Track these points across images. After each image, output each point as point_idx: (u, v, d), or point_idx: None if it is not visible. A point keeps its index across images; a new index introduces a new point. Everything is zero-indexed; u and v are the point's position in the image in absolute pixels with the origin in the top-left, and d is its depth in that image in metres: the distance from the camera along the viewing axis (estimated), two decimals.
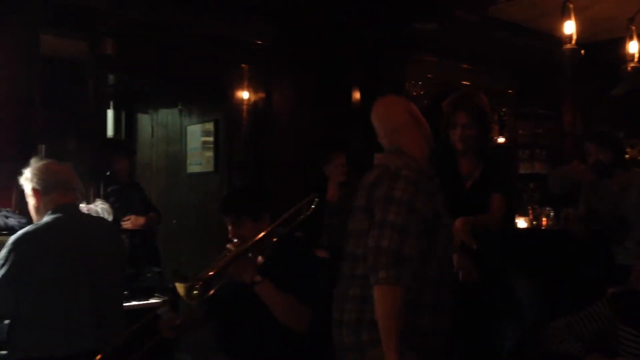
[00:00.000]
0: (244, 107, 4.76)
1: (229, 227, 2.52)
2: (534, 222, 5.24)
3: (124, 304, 2.83)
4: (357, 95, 4.91)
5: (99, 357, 2.27)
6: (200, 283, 2.17)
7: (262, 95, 4.78)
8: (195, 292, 2.18)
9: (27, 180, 2.57)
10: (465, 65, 5.42)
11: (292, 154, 4.70)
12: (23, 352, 2.28)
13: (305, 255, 2.68)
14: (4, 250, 2.34)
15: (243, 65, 4.79)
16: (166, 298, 3.18)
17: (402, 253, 1.89)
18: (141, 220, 4.12)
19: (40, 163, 2.60)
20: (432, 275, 2.02)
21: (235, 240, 2.48)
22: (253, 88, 4.78)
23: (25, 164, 2.67)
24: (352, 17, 4.64)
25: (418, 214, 1.95)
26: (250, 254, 2.39)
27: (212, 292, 2.37)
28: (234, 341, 2.48)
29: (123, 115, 5.81)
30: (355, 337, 2.00)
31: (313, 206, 2.51)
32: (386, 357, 1.84)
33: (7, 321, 2.40)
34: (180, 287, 2.18)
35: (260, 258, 2.51)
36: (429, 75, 5.24)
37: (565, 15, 3.77)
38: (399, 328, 1.86)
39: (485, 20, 4.68)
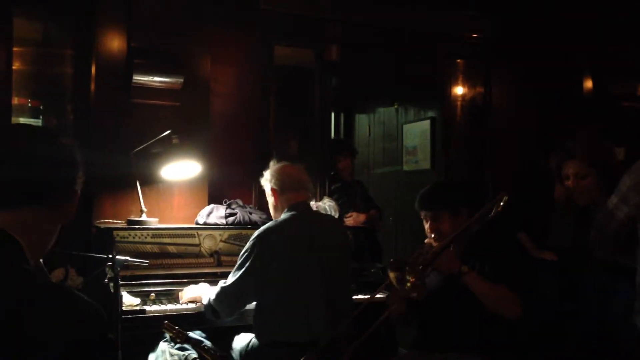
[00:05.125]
0: (461, 103, 4.67)
1: (427, 223, 2.54)
2: None
3: None
4: (588, 84, 4.49)
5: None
6: (413, 276, 2.18)
7: (480, 89, 4.64)
8: (408, 284, 2.20)
9: (267, 181, 2.84)
10: None
11: (513, 149, 4.48)
12: (268, 337, 2.53)
13: (510, 246, 2.59)
14: (250, 243, 2.61)
15: (458, 60, 4.70)
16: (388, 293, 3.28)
17: None
18: (362, 217, 4.29)
19: (278, 165, 2.86)
20: None
21: (433, 235, 2.47)
22: (470, 83, 4.66)
23: (261, 164, 2.95)
24: None
25: None
26: (452, 247, 2.39)
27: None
28: (443, 336, 2.46)
29: (342, 115, 6.10)
30: None
31: (502, 204, 2.38)
32: None
33: (249, 306, 2.70)
34: (392, 276, 2.21)
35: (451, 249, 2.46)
36: None
37: None
38: None
39: None
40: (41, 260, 1.32)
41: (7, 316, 1.03)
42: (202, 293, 2.81)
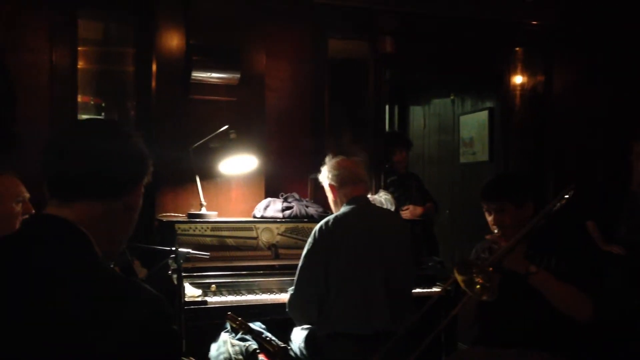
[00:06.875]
0: (520, 92, 4.54)
1: (490, 216, 2.45)
2: None
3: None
4: None
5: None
6: (481, 277, 2.12)
7: (540, 78, 4.50)
8: (477, 286, 2.14)
9: (324, 177, 2.83)
10: None
11: (579, 139, 4.33)
12: (329, 327, 2.53)
13: (577, 240, 2.49)
14: (311, 238, 2.62)
15: (517, 48, 4.57)
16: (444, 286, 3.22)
17: None
18: (419, 210, 4.24)
19: (334, 160, 2.83)
20: None
21: (496, 230, 2.40)
22: (530, 72, 4.53)
23: (316, 158, 2.95)
24: None
25: None
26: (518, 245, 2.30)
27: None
28: (505, 332, 2.40)
29: (396, 108, 6.05)
30: None
31: (567, 196, 2.27)
32: None
33: None
34: (460, 279, 2.16)
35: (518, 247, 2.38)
36: None
37: None
38: None
39: None
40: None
41: (73, 306, 1.06)
42: None
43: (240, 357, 2.61)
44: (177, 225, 3.10)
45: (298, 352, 2.70)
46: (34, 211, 2.23)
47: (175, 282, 2.59)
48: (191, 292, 2.81)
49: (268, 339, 2.36)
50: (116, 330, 1.06)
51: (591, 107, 4.36)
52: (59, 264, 1.11)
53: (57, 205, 1.18)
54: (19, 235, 1.21)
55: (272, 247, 3.27)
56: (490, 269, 2.12)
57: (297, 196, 3.57)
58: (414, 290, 3.11)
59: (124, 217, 1.25)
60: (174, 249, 2.55)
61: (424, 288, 3.22)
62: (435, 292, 3.23)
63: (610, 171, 3.94)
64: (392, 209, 3.58)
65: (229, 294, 2.93)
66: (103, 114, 4.19)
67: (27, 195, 2.24)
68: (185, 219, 3.25)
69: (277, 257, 3.25)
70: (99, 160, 1.19)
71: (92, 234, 1.16)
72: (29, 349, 1.04)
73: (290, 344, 2.76)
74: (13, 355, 1.04)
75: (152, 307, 1.12)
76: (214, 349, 2.73)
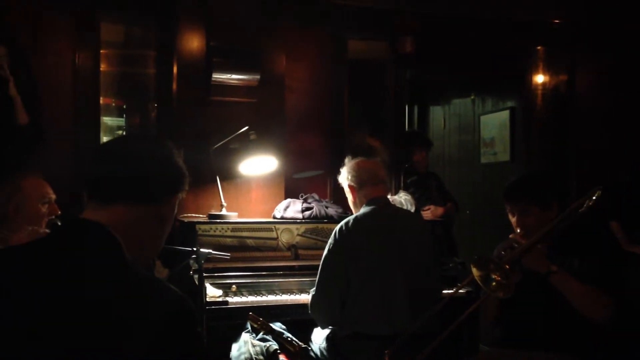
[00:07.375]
0: (542, 92, 4.49)
1: (513, 217, 2.43)
2: None
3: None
4: None
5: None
6: (498, 274, 2.10)
7: (563, 77, 4.44)
8: (493, 283, 2.12)
9: (344, 178, 2.83)
10: None
11: (602, 139, 4.26)
12: (350, 328, 2.53)
13: (601, 241, 2.45)
14: (332, 239, 2.62)
15: (539, 47, 4.52)
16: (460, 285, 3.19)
17: None
18: (440, 210, 4.21)
19: (353, 161, 2.83)
20: None
21: (519, 230, 2.37)
22: (552, 71, 4.48)
23: (336, 158, 2.94)
24: None
25: None
26: (539, 245, 2.28)
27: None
28: (527, 334, 2.38)
29: (416, 107, 6.02)
30: None
31: (595, 198, 2.24)
32: None
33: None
34: (477, 274, 2.14)
35: (539, 246, 2.35)
36: None
37: None
38: None
39: None
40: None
41: (98, 307, 1.08)
42: None
43: (261, 357, 2.63)
44: (198, 226, 3.12)
45: (319, 353, 2.70)
46: (59, 212, 2.26)
47: (197, 283, 2.61)
48: (212, 292, 2.83)
49: (289, 339, 2.36)
50: (141, 330, 1.07)
51: (614, 106, 4.29)
52: (86, 266, 1.14)
53: (94, 208, 1.22)
54: (52, 238, 1.26)
55: (292, 247, 3.28)
56: (507, 266, 2.10)
57: (316, 197, 3.58)
58: None
59: (155, 227, 1.29)
60: (195, 249, 2.57)
61: (444, 289, 3.18)
62: (458, 293, 3.20)
63: (634, 171, 3.87)
64: (412, 209, 3.56)
65: (250, 294, 2.94)
66: (124, 115, 4.25)
67: (53, 196, 2.27)
68: (206, 220, 3.27)
69: (297, 257, 3.26)
70: (142, 165, 1.24)
71: (123, 238, 1.19)
72: (56, 348, 1.06)
73: (311, 344, 2.77)
74: (42, 354, 1.06)
75: (176, 307, 1.13)
76: (235, 349, 2.75)
